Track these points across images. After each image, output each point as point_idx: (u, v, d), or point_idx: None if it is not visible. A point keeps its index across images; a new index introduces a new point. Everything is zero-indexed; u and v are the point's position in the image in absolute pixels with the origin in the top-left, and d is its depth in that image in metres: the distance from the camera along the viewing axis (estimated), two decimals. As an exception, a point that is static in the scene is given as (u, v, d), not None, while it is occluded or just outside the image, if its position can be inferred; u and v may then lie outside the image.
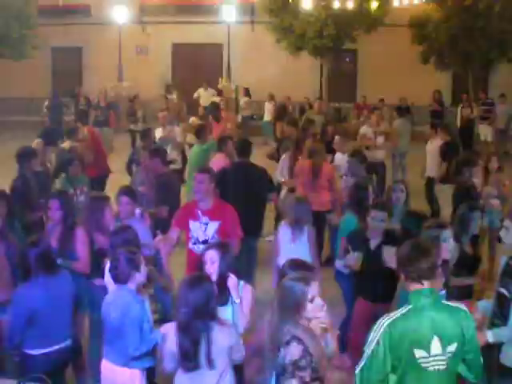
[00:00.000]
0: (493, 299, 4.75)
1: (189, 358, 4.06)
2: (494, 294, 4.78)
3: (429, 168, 11.13)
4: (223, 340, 4.08)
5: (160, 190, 7.90)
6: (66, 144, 10.40)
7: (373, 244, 5.83)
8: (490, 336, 4.47)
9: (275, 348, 3.69)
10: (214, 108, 13.94)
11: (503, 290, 4.60)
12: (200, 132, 10.29)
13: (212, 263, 4.63)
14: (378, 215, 5.81)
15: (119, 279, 4.67)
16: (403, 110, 16.03)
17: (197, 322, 4.03)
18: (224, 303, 4.60)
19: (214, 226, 6.15)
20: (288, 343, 3.67)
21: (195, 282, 4.15)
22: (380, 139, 12.14)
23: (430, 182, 11.09)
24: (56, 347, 4.93)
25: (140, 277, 4.70)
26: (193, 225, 6.20)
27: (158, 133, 11.71)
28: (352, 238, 6.01)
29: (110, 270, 4.79)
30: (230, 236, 6.15)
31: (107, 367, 4.74)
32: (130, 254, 4.71)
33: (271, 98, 20.61)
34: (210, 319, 4.07)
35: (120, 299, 4.61)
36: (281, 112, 16.40)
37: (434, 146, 11.16)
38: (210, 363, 4.04)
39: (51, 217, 6.20)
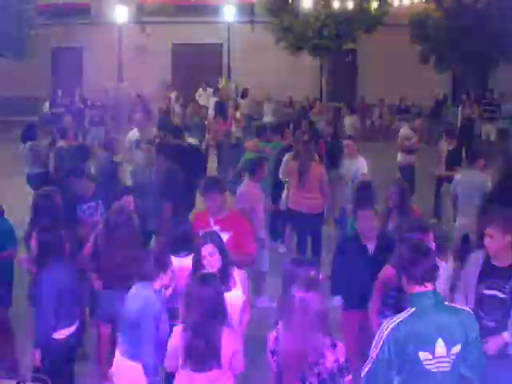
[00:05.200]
0: (471, 302, 4.62)
1: (199, 359, 4.03)
2: (469, 296, 4.67)
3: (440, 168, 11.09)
4: (229, 344, 4.06)
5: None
6: (60, 144, 10.40)
7: (369, 248, 5.60)
8: (509, 336, 4.47)
9: (315, 357, 3.72)
10: (221, 107, 14.11)
11: (492, 292, 4.58)
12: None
13: (212, 256, 4.72)
14: (363, 214, 5.64)
15: (145, 277, 4.69)
16: (355, 108, 16.53)
17: (210, 322, 4.01)
18: (228, 289, 4.70)
19: (224, 237, 5.70)
20: (335, 344, 3.77)
21: (207, 280, 4.14)
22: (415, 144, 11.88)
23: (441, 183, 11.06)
24: (74, 328, 5.12)
25: (166, 279, 4.69)
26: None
27: (134, 135, 11.33)
28: (347, 243, 5.85)
29: (137, 269, 4.81)
30: (242, 249, 5.78)
31: (120, 362, 4.76)
32: (159, 254, 4.78)
33: (270, 98, 20.59)
34: (222, 319, 4.06)
35: (142, 293, 4.62)
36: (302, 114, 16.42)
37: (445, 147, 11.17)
38: (219, 364, 4.03)
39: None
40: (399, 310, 3.91)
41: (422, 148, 12.08)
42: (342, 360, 3.78)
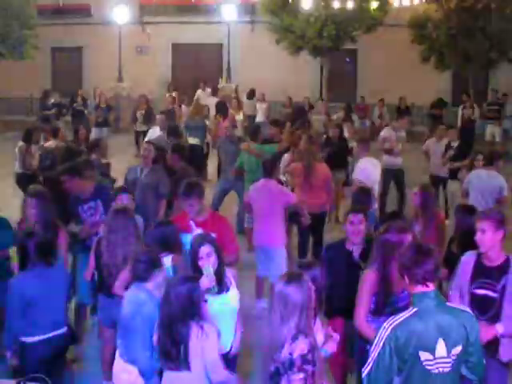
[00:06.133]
0: (465, 302, 4.61)
1: (170, 358, 4.07)
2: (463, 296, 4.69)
3: (436, 167, 11.10)
4: (198, 346, 4.03)
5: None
6: (50, 143, 10.39)
7: (355, 253, 5.46)
8: (501, 327, 4.47)
9: (278, 345, 3.71)
10: (222, 106, 14.28)
11: (483, 292, 4.58)
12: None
13: (209, 256, 4.72)
14: (355, 218, 5.48)
15: (139, 278, 4.69)
16: (349, 107, 16.66)
17: (180, 322, 4.02)
18: (227, 290, 4.77)
19: None
20: (296, 338, 3.70)
21: (181, 281, 4.15)
22: (400, 145, 11.53)
23: (437, 182, 11.03)
24: (52, 334, 5.04)
25: (160, 276, 4.68)
26: (185, 238, 5.59)
27: (155, 133, 11.64)
28: (331, 249, 5.69)
29: (131, 270, 4.81)
30: (227, 250, 5.57)
31: (118, 364, 4.76)
32: (151, 254, 4.78)
33: (263, 98, 20.53)
34: (192, 321, 4.04)
35: (134, 296, 4.63)
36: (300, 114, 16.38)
37: (442, 145, 11.13)
38: (187, 365, 4.03)
39: (27, 215, 6.17)
40: (379, 315, 3.91)
41: (416, 148, 11.95)
42: (295, 355, 3.68)
